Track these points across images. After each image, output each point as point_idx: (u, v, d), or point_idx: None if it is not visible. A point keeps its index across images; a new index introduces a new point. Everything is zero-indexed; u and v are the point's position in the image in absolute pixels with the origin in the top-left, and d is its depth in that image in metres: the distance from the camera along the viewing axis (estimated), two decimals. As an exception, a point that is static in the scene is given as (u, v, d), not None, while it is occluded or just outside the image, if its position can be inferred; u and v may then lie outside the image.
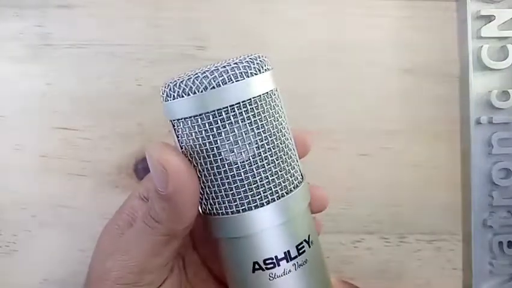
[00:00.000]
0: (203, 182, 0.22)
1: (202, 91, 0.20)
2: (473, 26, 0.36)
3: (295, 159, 0.23)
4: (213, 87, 0.20)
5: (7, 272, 0.35)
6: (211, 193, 0.22)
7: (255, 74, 0.21)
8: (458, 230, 0.37)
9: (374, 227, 0.37)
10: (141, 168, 0.35)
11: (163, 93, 0.21)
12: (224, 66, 0.20)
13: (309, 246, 0.22)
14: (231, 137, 0.21)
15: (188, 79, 0.20)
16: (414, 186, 0.37)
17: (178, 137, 0.22)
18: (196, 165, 0.22)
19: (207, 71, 0.20)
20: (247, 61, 0.21)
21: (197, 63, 0.35)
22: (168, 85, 0.21)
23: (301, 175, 0.23)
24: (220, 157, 0.21)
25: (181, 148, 0.22)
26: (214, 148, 0.21)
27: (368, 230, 0.37)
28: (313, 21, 0.36)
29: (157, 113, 0.32)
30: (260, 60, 0.22)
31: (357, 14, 0.36)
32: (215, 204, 0.22)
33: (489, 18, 0.36)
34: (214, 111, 0.20)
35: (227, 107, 0.20)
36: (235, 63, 0.21)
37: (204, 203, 0.23)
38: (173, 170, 0.21)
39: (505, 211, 0.36)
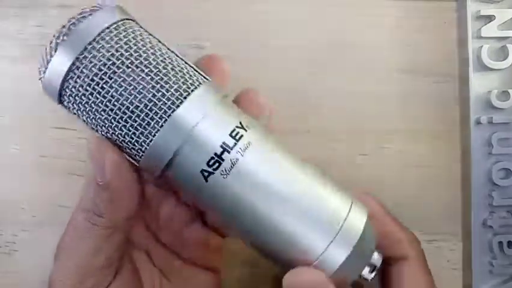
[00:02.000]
0: (110, 135, 0.22)
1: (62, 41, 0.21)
2: (473, 26, 0.36)
3: (184, 68, 0.23)
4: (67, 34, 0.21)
5: (7, 272, 0.35)
6: (126, 142, 0.22)
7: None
8: (458, 230, 0.37)
9: (374, 227, 0.37)
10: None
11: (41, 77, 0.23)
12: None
13: (246, 130, 0.22)
14: (115, 77, 0.21)
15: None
16: (414, 186, 0.37)
17: (77, 114, 0.23)
18: (98, 125, 0.22)
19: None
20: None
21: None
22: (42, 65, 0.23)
23: (204, 78, 0.23)
24: (111, 95, 0.21)
25: (86, 123, 0.23)
26: (105, 91, 0.21)
27: (368, 230, 0.37)
28: (313, 21, 0.36)
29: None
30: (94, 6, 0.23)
31: (357, 14, 0.36)
32: (136, 146, 0.22)
33: (489, 18, 0.36)
34: (82, 53, 0.21)
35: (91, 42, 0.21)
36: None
37: (133, 157, 0.23)
38: (109, 158, 0.22)
39: (505, 211, 0.36)
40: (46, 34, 0.35)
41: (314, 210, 0.22)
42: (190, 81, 0.22)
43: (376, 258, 0.25)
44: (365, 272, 0.24)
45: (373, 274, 0.24)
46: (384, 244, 0.27)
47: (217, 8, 0.36)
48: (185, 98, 0.22)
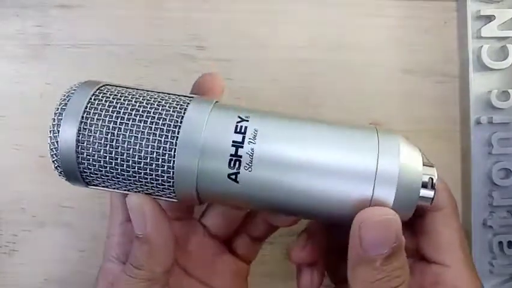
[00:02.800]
0: (140, 188, 0.23)
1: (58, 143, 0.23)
2: (473, 26, 0.36)
3: (168, 98, 0.24)
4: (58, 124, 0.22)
5: (7, 272, 0.35)
6: (155, 186, 0.23)
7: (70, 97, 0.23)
8: (458, 230, 0.37)
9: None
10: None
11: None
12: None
13: (247, 121, 0.23)
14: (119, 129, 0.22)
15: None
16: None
17: (105, 187, 0.24)
18: (127, 185, 0.23)
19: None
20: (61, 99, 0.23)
21: (197, 63, 0.35)
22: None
23: (189, 97, 0.24)
24: (122, 153, 0.22)
25: (116, 188, 0.24)
26: (116, 152, 0.22)
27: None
28: (313, 21, 0.36)
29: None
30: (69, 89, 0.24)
31: (357, 14, 0.36)
32: (165, 185, 0.23)
33: (489, 18, 0.36)
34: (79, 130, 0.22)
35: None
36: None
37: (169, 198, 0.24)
38: (149, 211, 0.23)
39: (505, 211, 0.36)
40: (46, 34, 0.35)
41: (344, 162, 0.22)
42: (179, 106, 0.23)
43: (429, 172, 0.23)
44: (424, 192, 0.23)
45: (433, 191, 0.23)
46: None
47: (217, 8, 0.36)
48: (181, 121, 0.22)
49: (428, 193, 0.23)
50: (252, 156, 0.22)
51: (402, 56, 0.37)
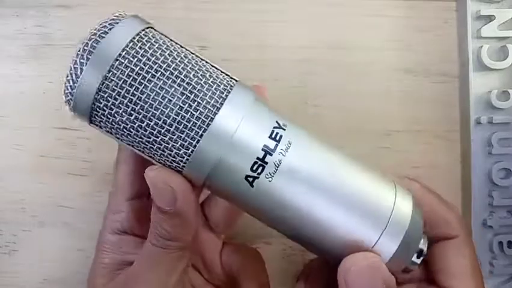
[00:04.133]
0: (148, 150, 0.22)
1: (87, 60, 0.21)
2: (473, 26, 0.36)
3: (213, 72, 0.22)
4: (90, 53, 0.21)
5: (7, 272, 0.35)
6: (166, 155, 0.22)
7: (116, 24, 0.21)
8: (458, 230, 0.37)
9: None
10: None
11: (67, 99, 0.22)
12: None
13: (284, 129, 0.22)
14: (150, 86, 0.21)
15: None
16: (414, 186, 0.37)
17: (110, 132, 0.22)
18: (134, 141, 0.22)
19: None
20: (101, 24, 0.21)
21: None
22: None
23: (232, 79, 0.23)
24: (146, 111, 0.21)
25: (120, 140, 0.22)
26: (139, 107, 0.21)
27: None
28: (313, 21, 0.36)
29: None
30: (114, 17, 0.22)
31: (357, 14, 0.36)
32: (176, 158, 0.22)
33: (489, 18, 0.36)
34: (110, 70, 0.20)
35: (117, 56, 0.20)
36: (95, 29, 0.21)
37: (173, 168, 0.22)
38: (179, 187, 0.22)
39: (505, 211, 0.36)
40: (46, 34, 0.35)
41: (363, 201, 0.22)
42: (222, 86, 0.22)
43: (423, 242, 0.24)
44: (414, 257, 0.24)
45: (421, 259, 0.24)
46: (434, 225, 0.26)
47: (218, 8, 0.36)
48: (221, 104, 0.21)
49: (416, 260, 0.24)
50: (277, 167, 0.21)
51: (402, 56, 0.37)
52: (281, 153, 0.21)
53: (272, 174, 0.21)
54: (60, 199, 0.35)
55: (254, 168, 0.21)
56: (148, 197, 0.28)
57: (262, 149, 0.21)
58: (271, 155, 0.21)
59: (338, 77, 0.36)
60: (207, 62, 0.23)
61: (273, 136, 0.21)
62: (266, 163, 0.21)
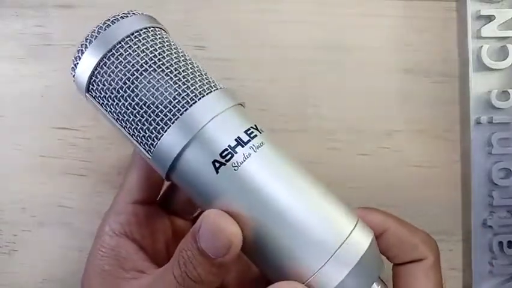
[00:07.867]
0: (128, 129, 0.24)
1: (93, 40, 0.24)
2: (473, 26, 0.36)
3: (204, 75, 0.24)
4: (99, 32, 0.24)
5: (7, 272, 0.35)
6: (140, 136, 0.23)
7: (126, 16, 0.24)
8: (458, 230, 0.37)
9: (373, 227, 0.37)
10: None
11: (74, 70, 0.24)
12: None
13: (260, 132, 0.23)
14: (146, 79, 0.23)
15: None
16: (414, 186, 0.37)
17: (101, 106, 0.24)
18: (119, 118, 0.24)
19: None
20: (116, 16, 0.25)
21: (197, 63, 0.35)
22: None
23: (215, 85, 0.24)
24: (132, 91, 0.23)
25: (108, 113, 0.24)
26: (127, 86, 0.23)
27: (367, 230, 0.37)
28: (313, 21, 0.36)
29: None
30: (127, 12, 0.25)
31: (357, 14, 0.36)
32: (148, 141, 0.23)
33: (489, 18, 0.36)
34: (114, 47, 0.23)
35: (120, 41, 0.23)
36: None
37: (146, 152, 0.24)
38: (237, 238, 0.21)
39: (505, 211, 0.36)
40: (46, 34, 0.35)
41: (314, 225, 0.22)
42: (207, 85, 0.23)
43: (376, 285, 0.23)
44: None
45: None
46: (400, 252, 0.26)
47: (218, 8, 0.36)
48: (199, 99, 0.23)
49: None
50: (245, 160, 0.22)
51: (402, 56, 0.37)
52: (252, 148, 0.22)
53: (239, 164, 0.22)
54: (60, 199, 0.35)
55: (223, 154, 0.22)
56: (152, 205, 0.28)
57: (235, 139, 0.22)
58: (242, 146, 0.22)
59: (338, 76, 0.36)
60: (204, 70, 0.25)
61: (248, 132, 0.23)
62: (236, 152, 0.22)
